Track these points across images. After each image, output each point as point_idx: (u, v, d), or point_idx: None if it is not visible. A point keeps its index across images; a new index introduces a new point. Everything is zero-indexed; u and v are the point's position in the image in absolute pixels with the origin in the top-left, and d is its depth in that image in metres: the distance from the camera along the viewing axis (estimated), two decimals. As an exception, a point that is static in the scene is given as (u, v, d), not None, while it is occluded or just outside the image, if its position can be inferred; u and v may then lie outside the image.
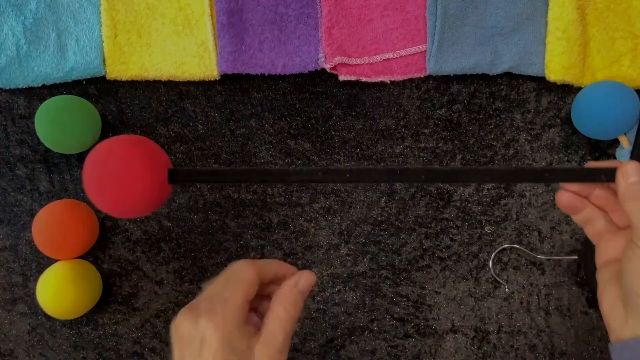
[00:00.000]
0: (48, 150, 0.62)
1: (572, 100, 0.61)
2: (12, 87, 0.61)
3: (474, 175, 0.39)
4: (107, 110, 0.63)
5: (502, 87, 0.62)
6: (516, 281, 0.61)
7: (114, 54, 0.61)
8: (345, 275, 0.62)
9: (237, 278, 0.37)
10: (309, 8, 0.60)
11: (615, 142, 0.61)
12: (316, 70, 0.61)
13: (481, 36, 0.60)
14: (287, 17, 0.61)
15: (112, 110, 0.63)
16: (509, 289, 0.61)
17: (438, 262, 0.62)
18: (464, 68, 0.60)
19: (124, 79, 0.61)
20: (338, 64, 0.60)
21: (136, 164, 0.35)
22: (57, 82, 0.62)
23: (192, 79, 0.61)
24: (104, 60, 0.61)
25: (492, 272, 0.61)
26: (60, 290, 0.57)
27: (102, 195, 0.36)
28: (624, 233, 0.39)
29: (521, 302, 0.61)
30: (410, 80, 0.62)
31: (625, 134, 0.59)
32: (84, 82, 0.62)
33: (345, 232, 0.62)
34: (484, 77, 0.62)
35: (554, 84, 0.60)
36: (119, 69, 0.61)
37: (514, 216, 0.61)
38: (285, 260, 0.62)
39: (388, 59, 0.61)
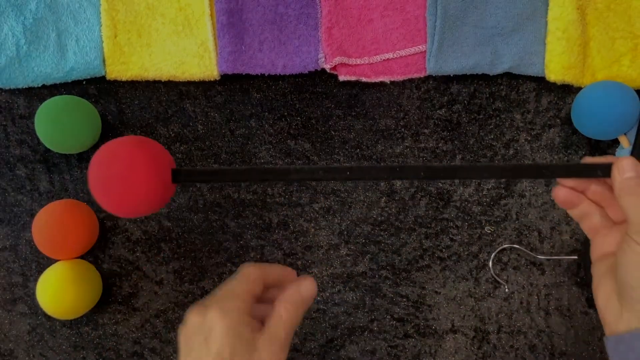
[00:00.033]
0: (48, 150, 0.62)
1: (572, 100, 0.61)
2: (12, 87, 0.61)
3: (472, 172, 0.39)
4: (107, 110, 0.63)
5: (502, 87, 0.62)
6: (516, 281, 0.61)
7: (114, 54, 0.61)
8: (345, 275, 0.62)
9: (243, 275, 0.38)
10: (309, 8, 0.60)
11: (615, 142, 0.61)
12: (316, 70, 0.61)
13: (481, 36, 0.60)
14: (287, 17, 0.61)
15: (112, 110, 0.63)
16: (509, 289, 0.61)
17: (438, 262, 0.62)
18: (464, 68, 0.60)
19: (124, 79, 0.61)
20: (338, 64, 0.60)
21: (141, 165, 0.36)
22: (57, 82, 0.62)
23: (192, 79, 0.61)
24: (104, 60, 0.61)
25: (492, 272, 0.61)
26: (60, 290, 0.57)
27: (107, 196, 0.36)
28: (619, 228, 0.39)
29: (521, 302, 0.61)
30: (410, 80, 0.62)
31: (625, 134, 0.59)
32: (84, 82, 0.62)
33: (345, 232, 0.62)
34: (484, 77, 0.62)
35: (554, 84, 0.60)
36: (119, 69, 0.61)
37: (514, 216, 0.61)
38: (285, 261, 0.62)
39: (388, 59, 0.61)
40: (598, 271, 0.39)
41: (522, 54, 0.60)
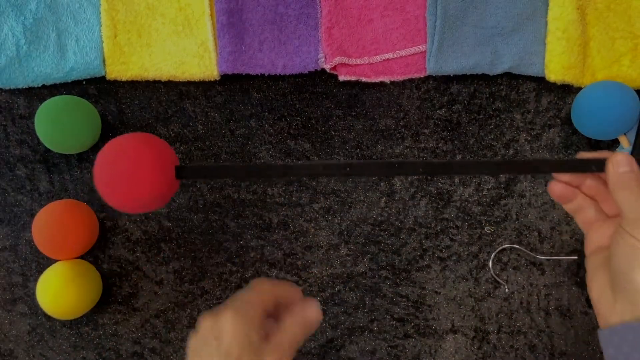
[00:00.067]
0: (48, 150, 0.62)
1: (572, 100, 0.61)
2: (12, 87, 0.61)
3: (470, 167, 0.40)
4: (107, 110, 0.63)
5: (502, 87, 0.62)
6: (516, 281, 0.61)
7: (114, 54, 0.61)
8: (345, 275, 0.62)
9: (256, 287, 0.39)
10: (309, 8, 0.60)
11: (615, 142, 0.61)
12: (316, 70, 0.61)
13: (481, 36, 0.60)
14: (287, 17, 0.61)
15: (112, 110, 0.63)
16: (509, 289, 0.61)
17: (438, 262, 0.62)
18: (464, 68, 0.60)
19: (124, 79, 0.61)
20: (338, 64, 0.60)
21: (145, 163, 0.37)
22: (57, 82, 0.62)
23: (192, 79, 0.61)
24: (104, 61, 0.61)
25: (492, 272, 0.61)
26: (60, 290, 0.57)
27: (112, 193, 0.37)
28: (613, 221, 0.40)
29: (521, 302, 0.61)
30: (410, 80, 0.62)
31: (625, 134, 0.59)
32: (84, 82, 0.62)
33: (345, 232, 0.62)
34: (484, 77, 0.62)
35: (554, 84, 0.60)
36: (119, 69, 0.61)
37: (514, 216, 0.61)
38: (285, 261, 0.62)
39: (388, 59, 0.61)
40: (592, 264, 0.40)
41: (522, 54, 0.60)
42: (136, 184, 0.37)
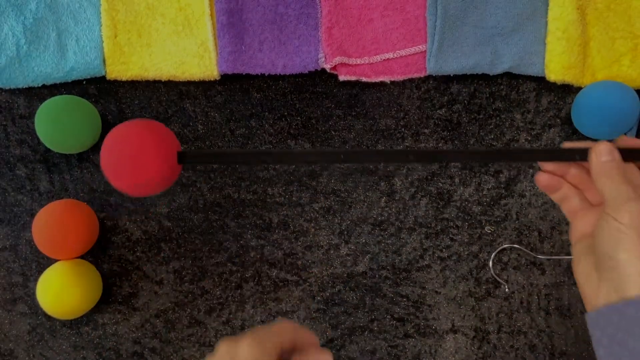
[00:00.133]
0: (48, 150, 0.62)
1: (572, 100, 0.61)
2: (12, 87, 0.61)
3: (458, 155, 0.43)
4: (107, 110, 0.63)
5: (502, 87, 0.62)
6: (516, 281, 0.61)
7: (114, 54, 0.61)
8: (345, 275, 0.62)
9: (278, 326, 0.40)
10: (309, 8, 0.61)
11: (615, 142, 0.61)
12: (316, 70, 0.61)
13: (481, 36, 0.60)
14: (287, 17, 0.61)
15: (112, 110, 0.63)
16: (509, 289, 0.61)
17: (438, 262, 0.62)
18: (464, 68, 0.60)
19: (124, 79, 0.61)
20: (338, 64, 0.60)
21: (149, 148, 0.39)
22: (57, 82, 0.62)
23: (192, 79, 0.61)
24: (104, 60, 0.61)
25: (492, 272, 0.61)
26: (60, 290, 0.57)
27: (117, 177, 0.39)
28: (596, 210, 0.41)
29: (521, 302, 0.61)
30: (410, 80, 0.62)
31: (625, 134, 0.59)
32: (84, 82, 0.62)
33: (345, 232, 0.62)
34: (484, 77, 0.62)
35: (554, 84, 0.60)
36: (119, 69, 0.61)
37: (514, 216, 0.61)
38: (285, 260, 0.62)
39: (388, 59, 0.61)
40: (577, 251, 0.41)
41: (522, 53, 0.60)
42: (140, 168, 0.39)
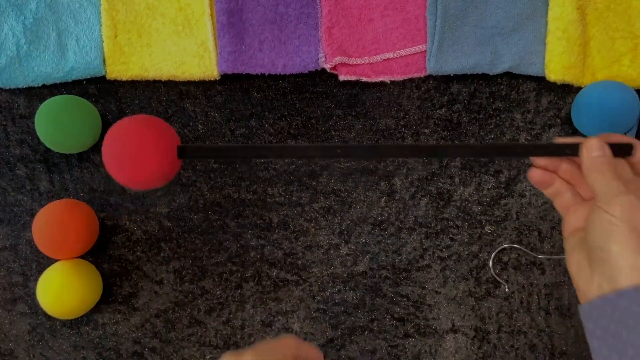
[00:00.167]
0: (48, 150, 0.62)
1: (572, 100, 0.61)
2: (12, 87, 0.61)
3: (452, 150, 0.44)
4: (107, 110, 0.63)
5: (502, 87, 0.62)
6: (516, 281, 0.61)
7: (114, 54, 0.61)
8: (345, 275, 0.62)
9: (282, 341, 0.41)
10: (309, 8, 0.61)
11: (615, 142, 0.61)
12: (316, 70, 0.61)
13: (481, 36, 0.60)
14: (287, 17, 0.61)
15: (112, 110, 0.63)
16: (509, 288, 0.61)
17: (438, 262, 0.62)
18: (464, 68, 0.60)
19: (124, 79, 0.62)
20: (338, 63, 0.60)
21: (149, 143, 0.40)
22: (57, 82, 0.62)
23: (192, 79, 0.61)
24: (104, 60, 0.61)
25: (492, 272, 0.61)
26: (60, 290, 0.57)
27: (120, 172, 0.40)
28: (587, 204, 0.42)
29: (521, 302, 0.61)
30: (410, 80, 0.62)
31: (625, 134, 0.59)
32: (84, 82, 0.62)
33: (345, 232, 0.62)
34: (484, 77, 0.62)
35: (554, 83, 0.60)
36: (119, 69, 0.61)
37: (514, 216, 0.61)
38: (285, 260, 0.62)
39: (388, 58, 0.61)
40: (570, 244, 0.42)
41: (522, 53, 0.60)
42: (141, 163, 0.40)
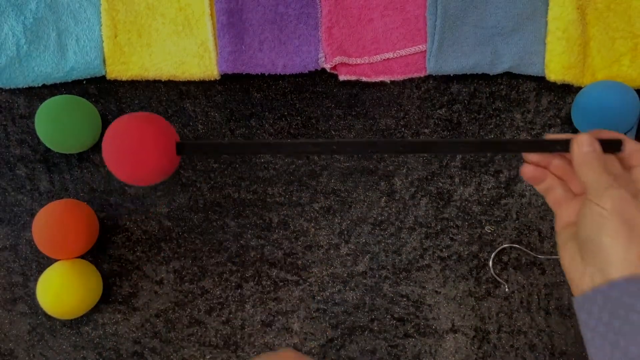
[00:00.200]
0: (48, 150, 0.62)
1: (572, 100, 0.61)
2: (12, 87, 0.61)
3: (446, 147, 0.46)
4: (107, 110, 0.63)
5: (502, 87, 0.62)
6: (516, 281, 0.61)
7: (114, 54, 0.61)
8: (345, 275, 0.62)
9: (282, 352, 0.41)
10: (309, 8, 0.61)
11: (615, 142, 0.61)
12: (316, 70, 0.61)
13: (481, 36, 0.60)
14: (287, 17, 0.61)
15: (112, 110, 0.63)
16: (509, 288, 0.61)
17: (438, 262, 0.62)
18: (464, 68, 0.60)
19: (124, 79, 0.62)
20: (338, 63, 0.60)
21: (149, 140, 0.40)
22: (57, 82, 0.62)
23: (192, 79, 0.61)
24: (104, 60, 0.61)
25: (492, 271, 0.61)
26: (60, 290, 0.57)
27: (120, 167, 0.41)
28: (579, 199, 0.43)
29: (521, 302, 0.61)
30: (410, 80, 0.62)
31: (625, 134, 0.59)
32: (84, 82, 0.62)
33: (345, 232, 0.62)
34: (484, 77, 0.62)
35: (554, 83, 0.60)
36: (119, 69, 0.61)
37: (514, 216, 0.61)
38: (285, 260, 0.62)
39: (388, 58, 0.61)
40: (562, 238, 0.43)
41: (522, 53, 0.60)
42: (140, 159, 0.40)
